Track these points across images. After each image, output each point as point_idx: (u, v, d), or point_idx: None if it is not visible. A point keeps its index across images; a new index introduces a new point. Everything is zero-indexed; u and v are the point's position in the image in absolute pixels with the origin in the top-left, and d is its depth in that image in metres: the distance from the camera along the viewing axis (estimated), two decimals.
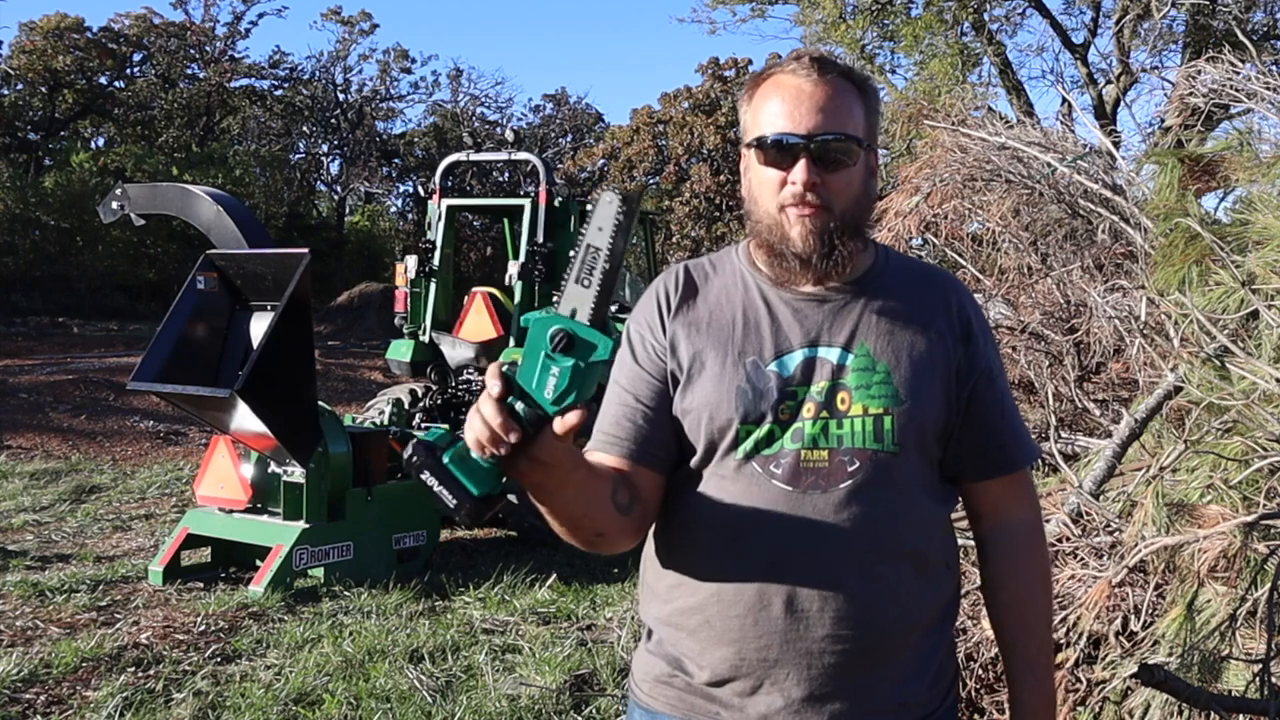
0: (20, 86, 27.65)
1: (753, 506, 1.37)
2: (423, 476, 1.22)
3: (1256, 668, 2.31)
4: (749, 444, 1.38)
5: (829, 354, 1.41)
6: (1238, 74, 3.92)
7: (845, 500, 1.36)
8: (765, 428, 1.38)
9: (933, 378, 1.41)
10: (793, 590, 1.36)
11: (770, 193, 1.40)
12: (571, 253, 1.16)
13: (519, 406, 1.17)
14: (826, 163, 1.38)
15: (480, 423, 1.18)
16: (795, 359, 1.41)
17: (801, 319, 1.43)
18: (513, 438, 1.17)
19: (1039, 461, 3.99)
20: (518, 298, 7.29)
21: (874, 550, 1.37)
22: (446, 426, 1.27)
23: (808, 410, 1.38)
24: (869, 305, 1.44)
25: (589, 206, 6.83)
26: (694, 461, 1.43)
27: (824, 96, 1.38)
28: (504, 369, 1.18)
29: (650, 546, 1.50)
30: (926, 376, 1.41)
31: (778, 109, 1.39)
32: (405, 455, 1.24)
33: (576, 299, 1.17)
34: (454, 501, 1.22)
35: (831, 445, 1.37)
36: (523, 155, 8.06)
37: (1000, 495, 1.50)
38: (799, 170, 1.37)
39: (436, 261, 7.66)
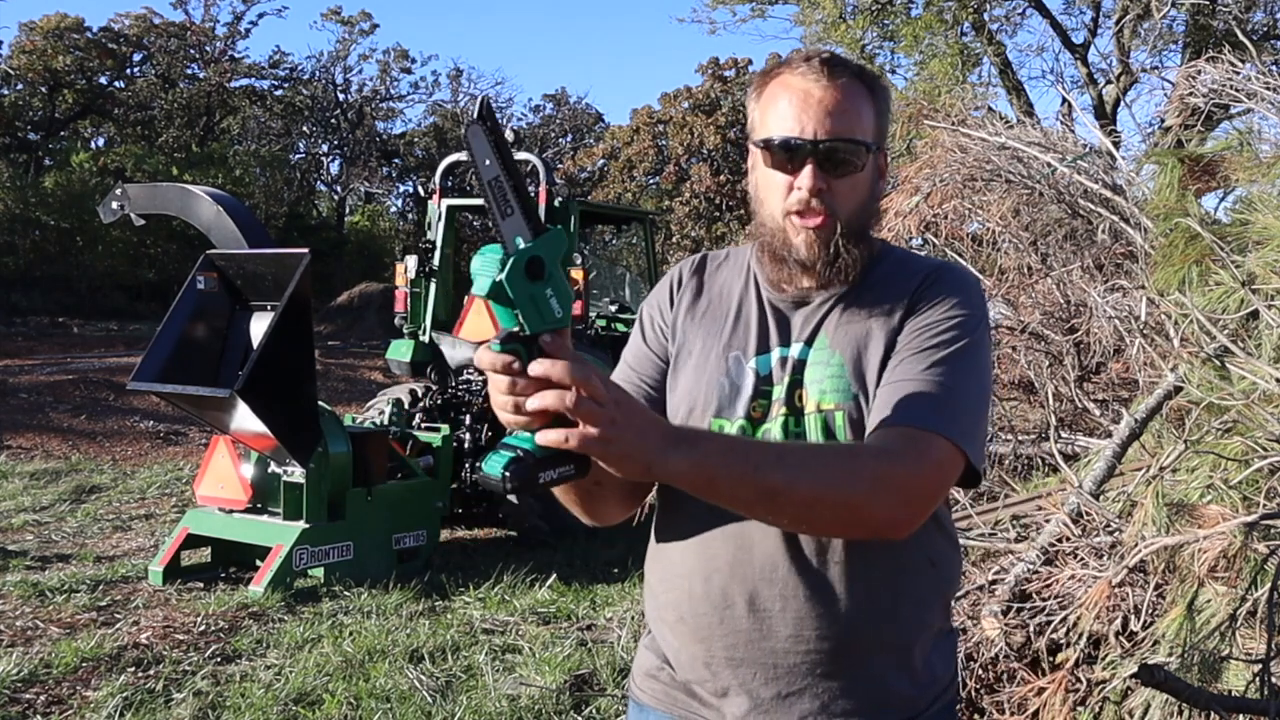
0: (20, 86, 27.66)
1: (718, 505, 1.34)
2: (539, 481, 1.17)
3: (1256, 668, 2.31)
4: None
5: (794, 350, 1.40)
6: (1238, 74, 3.92)
7: None
8: (736, 424, 1.38)
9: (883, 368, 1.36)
10: (754, 590, 1.35)
11: (776, 197, 1.39)
12: (481, 200, 1.16)
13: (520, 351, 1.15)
14: (833, 167, 1.36)
15: (510, 406, 1.14)
16: (772, 357, 1.41)
17: (783, 318, 1.43)
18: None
19: (1038, 462, 3.99)
20: None
21: (836, 548, 1.34)
22: (499, 450, 1.22)
23: (776, 409, 1.38)
24: (842, 300, 1.41)
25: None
26: None
27: (833, 101, 1.35)
28: (495, 348, 1.14)
29: (650, 542, 1.51)
30: (878, 368, 1.36)
31: (785, 111, 1.37)
32: (502, 488, 1.16)
33: (513, 229, 1.17)
34: (573, 468, 1.19)
35: None
36: (523, 155, 8.05)
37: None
38: (805, 176, 1.35)
39: (436, 261, 7.66)
